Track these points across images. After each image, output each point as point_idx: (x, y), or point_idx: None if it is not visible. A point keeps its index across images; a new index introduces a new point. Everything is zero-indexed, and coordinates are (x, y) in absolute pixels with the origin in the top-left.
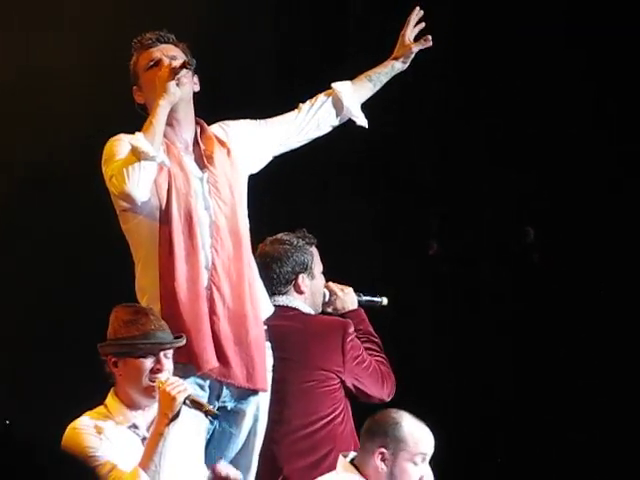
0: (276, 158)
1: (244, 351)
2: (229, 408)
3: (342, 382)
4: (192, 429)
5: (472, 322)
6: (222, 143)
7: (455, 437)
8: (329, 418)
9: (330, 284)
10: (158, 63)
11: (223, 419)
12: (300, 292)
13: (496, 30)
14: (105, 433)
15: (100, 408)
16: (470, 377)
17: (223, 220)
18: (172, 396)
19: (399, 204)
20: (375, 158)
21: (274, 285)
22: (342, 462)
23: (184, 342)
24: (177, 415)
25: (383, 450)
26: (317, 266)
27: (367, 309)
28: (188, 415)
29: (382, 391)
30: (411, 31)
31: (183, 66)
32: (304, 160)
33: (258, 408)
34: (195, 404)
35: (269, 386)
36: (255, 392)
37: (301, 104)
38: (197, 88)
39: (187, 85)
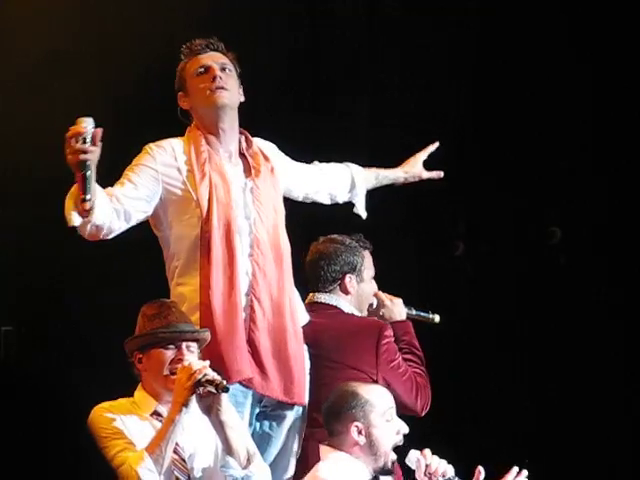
0: None
1: (283, 364)
2: (269, 412)
3: (375, 382)
4: None
5: (497, 323)
6: (267, 158)
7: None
8: None
9: (379, 293)
10: (208, 70)
11: (263, 423)
12: (346, 292)
13: (509, 44)
14: (123, 417)
15: (128, 398)
16: (488, 380)
17: (265, 234)
18: (183, 384)
19: (425, 204)
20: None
21: (320, 282)
22: (325, 449)
23: (207, 334)
24: (189, 402)
25: (356, 423)
26: (367, 270)
27: (416, 323)
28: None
29: (415, 402)
30: (424, 157)
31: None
32: None
33: (297, 412)
34: (208, 383)
35: (307, 398)
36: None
37: (317, 162)
38: (242, 98)
39: (235, 94)
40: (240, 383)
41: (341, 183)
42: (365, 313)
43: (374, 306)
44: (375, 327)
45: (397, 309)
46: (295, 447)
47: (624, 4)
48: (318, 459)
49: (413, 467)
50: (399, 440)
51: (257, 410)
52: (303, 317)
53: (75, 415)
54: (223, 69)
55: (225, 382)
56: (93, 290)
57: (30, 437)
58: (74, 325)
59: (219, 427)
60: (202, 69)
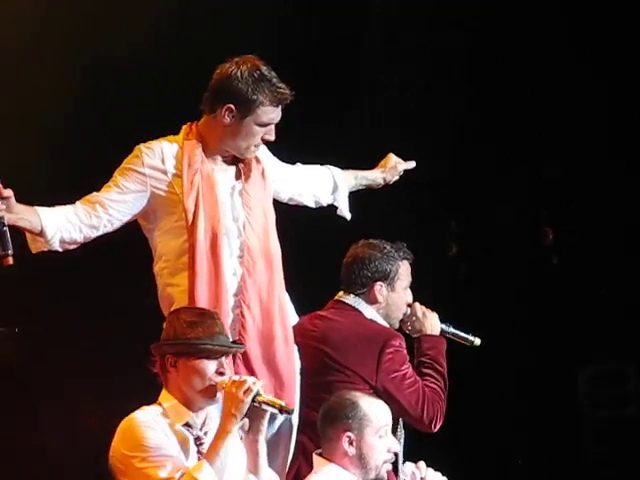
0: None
1: (273, 370)
2: None
3: (375, 390)
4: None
5: (490, 322)
6: (258, 160)
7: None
8: None
9: (416, 304)
10: (269, 126)
11: None
12: (374, 299)
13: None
14: (160, 429)
15: (155, 406)
16: (489, 377)
17: (255, 240)
18: (239, 397)
19: (419, 206)
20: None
21: (351, 285)
22: (317, 460)
23: (244, 349)
24: (243, 414)
25: (349, 434)
26: (401, 281)
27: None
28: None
29: (421, 414)
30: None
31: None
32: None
33: (286, 415)
34: (266, 403)
35: (297, 401)
36: None
37: (299, 164)
38: None
39: None
40: None
41: (324, 185)
42: (395, 322)
43: (407, 315)
44: (383, 335)
45: (429, 322)
46: (284, 450)
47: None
48: (309, 459)
49: None
50: (390, 458)
51: None
52: (293, 319)
53: None
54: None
55: (285, 403)
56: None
57: None
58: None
59: (254, 446)
60: (267, 125)
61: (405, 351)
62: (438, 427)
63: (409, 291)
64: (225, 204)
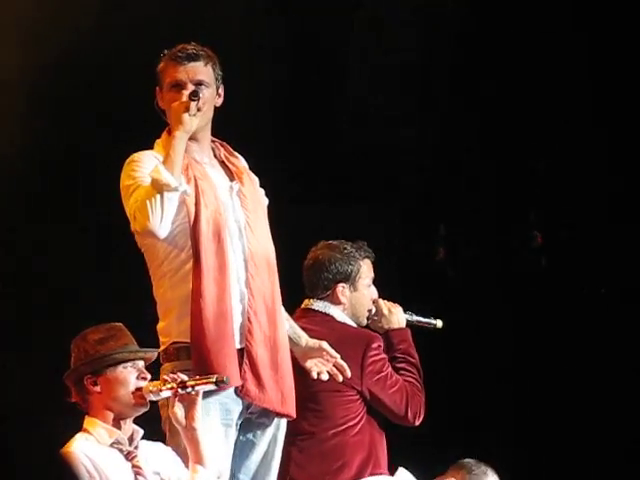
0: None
1: (279, 375)
2: (254, 420)
3: (361, 394)
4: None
5: (479, 326)
6: (250, 177)
7: None
8: (340, 428)
9: (379, 301)
10: (182, 87)
11: (247, 430)
12: (337, 301)
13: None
14: (99, 459)
15: (82, 433)
16: (473, 382)
17: (256, 244)
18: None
19: (407, 209)
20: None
21: (314, 290)
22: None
23: (155, 354)
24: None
25: None
26: (362, 279)
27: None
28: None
29: (405, 413)
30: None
31: (191, 98)
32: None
33: (280, 420)
34: (199, 384)
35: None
36: None
37: None
38: (219, 102)
39: (206, 108)
40: (235, 392)
41: None
42: (363, 320)
43: (372, 312)
44: (363, 338)
45: (395, 317)
46: (277, 454)
47: None
48: (298, 468)
49: None
50: None
51: (243, 417)
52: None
53: None
54: (199, 84)
55: (217, 376)
56: None
57: None
58: None
59: (194, 435)
60: (176, 84)
61: (383, 352)
62: (420, 421)
63: (373, 288)
64: (226, 204)
